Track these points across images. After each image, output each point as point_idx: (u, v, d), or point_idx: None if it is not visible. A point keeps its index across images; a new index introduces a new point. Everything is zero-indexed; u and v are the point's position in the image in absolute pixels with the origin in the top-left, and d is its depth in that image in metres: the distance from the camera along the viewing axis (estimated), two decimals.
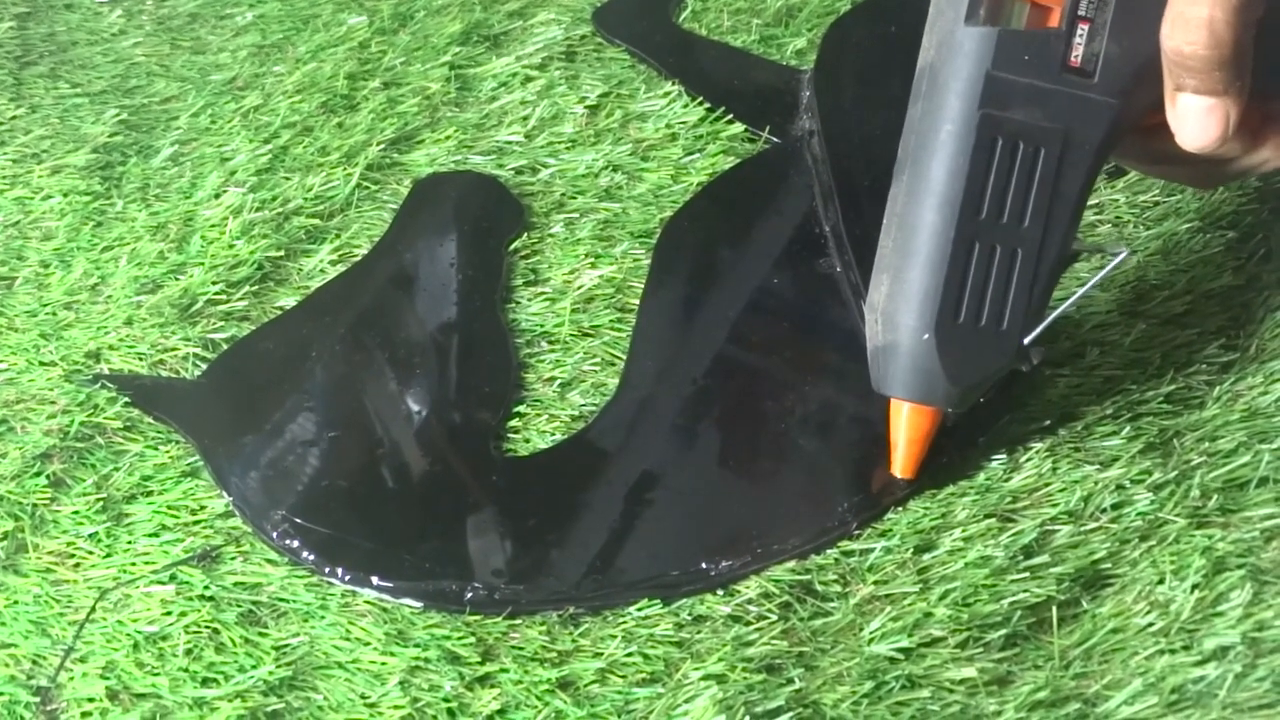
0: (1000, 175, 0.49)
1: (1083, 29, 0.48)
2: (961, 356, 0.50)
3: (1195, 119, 0.48)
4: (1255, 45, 0.47)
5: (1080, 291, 0.53)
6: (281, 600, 0.51)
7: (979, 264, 0.50)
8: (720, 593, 0.51)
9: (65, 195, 0.69)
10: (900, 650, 0.48)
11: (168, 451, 0.56)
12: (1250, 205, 0.66)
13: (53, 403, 0.58)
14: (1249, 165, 0.52)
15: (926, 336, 0.50)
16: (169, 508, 0.54)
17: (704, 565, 0.51)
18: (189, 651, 0.48)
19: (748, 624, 0.50)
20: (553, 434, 0.57)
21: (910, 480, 0.54)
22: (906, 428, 0.53)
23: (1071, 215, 0.50)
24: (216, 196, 0.68)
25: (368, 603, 0.51)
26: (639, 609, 0.50)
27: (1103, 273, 0.54)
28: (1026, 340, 0.51)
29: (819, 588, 0.51)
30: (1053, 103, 0.49)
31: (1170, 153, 0.50)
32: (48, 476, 0.54)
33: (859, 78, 0.75)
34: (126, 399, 0.58)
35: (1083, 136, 0.49)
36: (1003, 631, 0.49)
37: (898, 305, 0.51)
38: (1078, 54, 0.49)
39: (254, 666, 0.48)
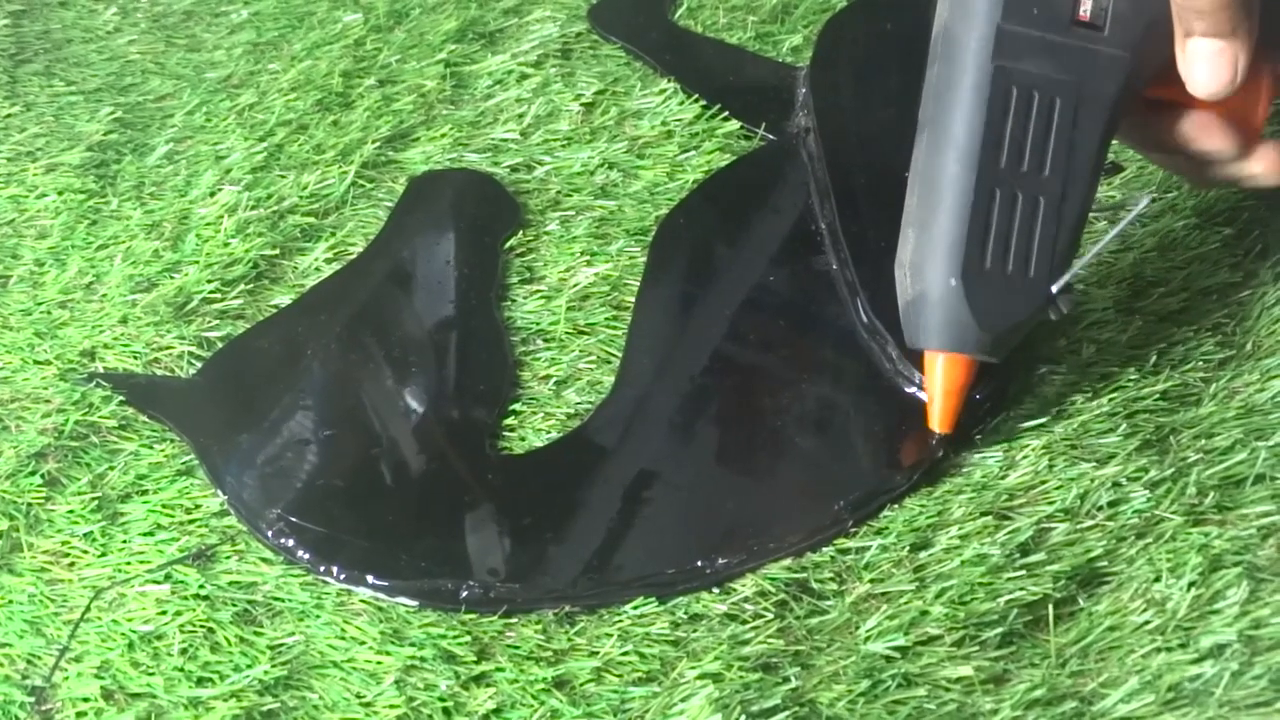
0: (1017, 123, 0.50)
1: None
2: (990, 301, 0.51)
3: (1205, 63, 0.49)
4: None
5: (1108, 237, 0.54)
6: (277, 599, 0.51)
7: (1001, 211, 0.50)
8: (716, 591, 0.51)
9: (60, 193, 0.69)
10: (896, 648, 0.48)
11: (163, 450, 0.56)
12: (1247, 202, 0.66)
13: (47, 401, 0.58)
14: (1240, 174, 0.54)
15: (954, 282, 0.51)
16: (164, 506, 0.53)
17: (700, 563, 0.51)
18: (184, 651, 0.48)
19: (744, 622, 0.50)
20: (549, 432, 0.57)
21: (946, 436, 0.54)
22: (942, 379, 0.53)
23: (1091, 169, 0.51)
24: (211, 195, 0.68)
25: (363, 602, 0.51)
26: (635, 607, 0.50)
27: (1128, 218, 0.54)
28: (1055, 289, 0.51)
29: (815, 586, 0.51)
30: (1064, 56, 0.50)
31: (1171, 141, 0.52)
32: (42, 475, 0.54)
33: (855, 75, 0.75)
34: (121, 398, 0.57)
35: (1096, 90, 0.50)
36: (999, 630, 0.49)
37: (924, 256, 0.51)
38: (1086, 8, 0.49)
39: (249, 666, 0.48)
